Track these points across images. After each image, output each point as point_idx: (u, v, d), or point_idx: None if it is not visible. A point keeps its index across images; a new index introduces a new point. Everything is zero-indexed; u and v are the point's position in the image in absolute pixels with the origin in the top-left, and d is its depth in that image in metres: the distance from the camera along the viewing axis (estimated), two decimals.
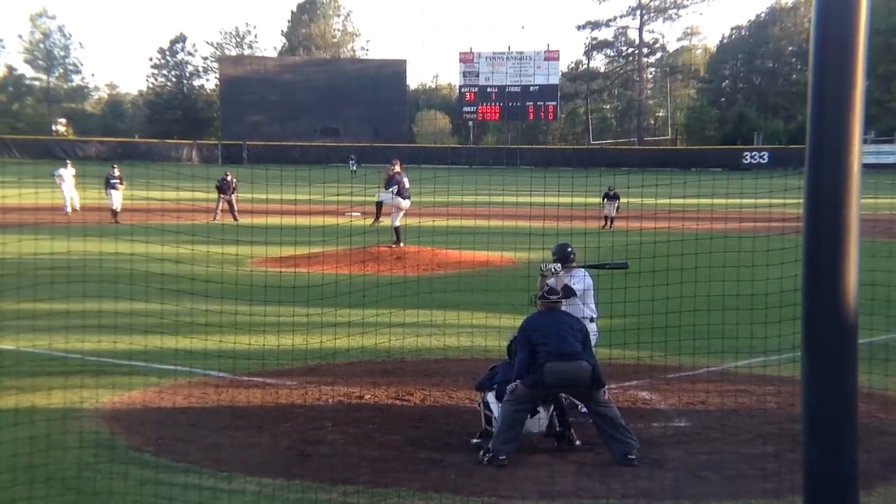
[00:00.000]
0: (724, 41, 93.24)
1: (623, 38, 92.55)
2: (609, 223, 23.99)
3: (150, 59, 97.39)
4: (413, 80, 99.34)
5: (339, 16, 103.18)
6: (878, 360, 6.72)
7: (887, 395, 7.84)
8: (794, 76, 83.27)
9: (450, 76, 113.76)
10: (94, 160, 59.02)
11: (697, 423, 7.37)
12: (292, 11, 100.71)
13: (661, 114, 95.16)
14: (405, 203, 18.12)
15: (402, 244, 17.63)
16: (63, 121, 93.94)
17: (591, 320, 7.58)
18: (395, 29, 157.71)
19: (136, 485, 5.75)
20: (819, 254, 2.62)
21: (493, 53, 77.48)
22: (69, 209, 27.11)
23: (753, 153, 64.51)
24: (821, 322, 2.63)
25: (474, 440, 6.72)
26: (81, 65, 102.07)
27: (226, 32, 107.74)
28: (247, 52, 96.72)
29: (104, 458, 6.20)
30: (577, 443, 6.68)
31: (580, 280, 7.53)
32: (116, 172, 25.81)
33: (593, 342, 7.35)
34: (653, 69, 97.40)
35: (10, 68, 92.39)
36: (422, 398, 8.03)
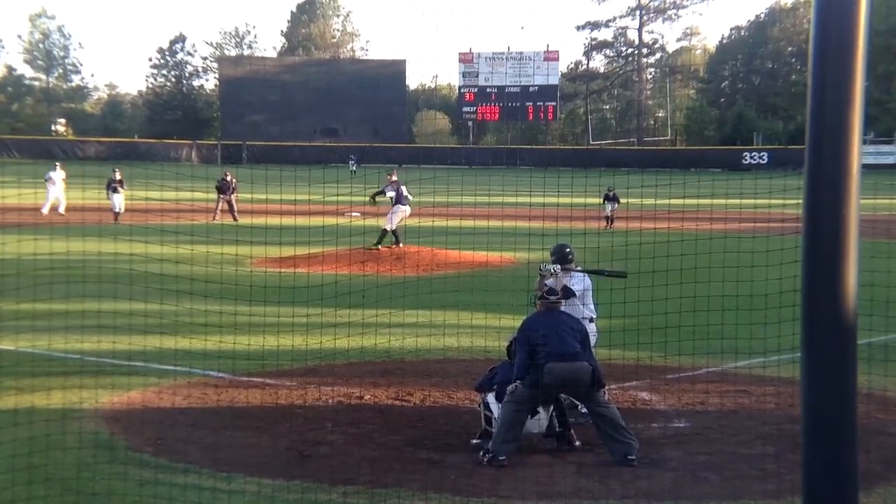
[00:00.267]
0: (724, 42, 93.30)
1: (622, 39, 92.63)
2: (609, 224, 24.02)
3: (150, 60, 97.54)
4: (413, 81, 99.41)
5: (338, 16, 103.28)
6: (877, 361, 6.72)
7: (887, 396, 7.85)
8: (794, 77, 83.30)
9: (449, 76, 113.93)
10: (93, 160, 59.06)
11: (697, 423, 7.37)
12: (292, 12, 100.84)
13: (660, 114, 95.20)
14: (405, 209, 18.14)
15: (401, 244, 17.61)
16: (62, 121, 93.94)
17: (591, 321, 7.58)
18: (395, 29, 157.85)
19: (135, 485, 5.75)
20: (818, 254, 2.62)
21: (493, 54, 77.50)
22: (47, 210, 26.64)
23: (753, 153, 64.55)
24: (820, 322, 2.63)
25: (474, 441, 6.72)
26: (81, 65, 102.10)
27: (225, 32, 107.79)
28: (246, 52, 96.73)
29: (103, 458, 6.20)
30: (577, 443, 6.68)
31: (579, 281, 7.54)
32: (118, 176, 25.77)
33: (592, 342, 7.35)
34: (652, 69, 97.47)
35: (10, 68, 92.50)
36: (421, 398, 8.03)
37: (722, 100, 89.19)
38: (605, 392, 6.79)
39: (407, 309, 10.21)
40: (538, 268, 7.19)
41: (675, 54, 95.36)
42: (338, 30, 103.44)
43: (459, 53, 78.01)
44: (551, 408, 6.71)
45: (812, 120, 2.62)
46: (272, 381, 8.55)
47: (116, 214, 24.63)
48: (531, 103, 76.39)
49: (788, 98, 79.66)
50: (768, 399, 7.89)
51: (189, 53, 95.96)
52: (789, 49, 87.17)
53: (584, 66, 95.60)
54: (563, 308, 6.98)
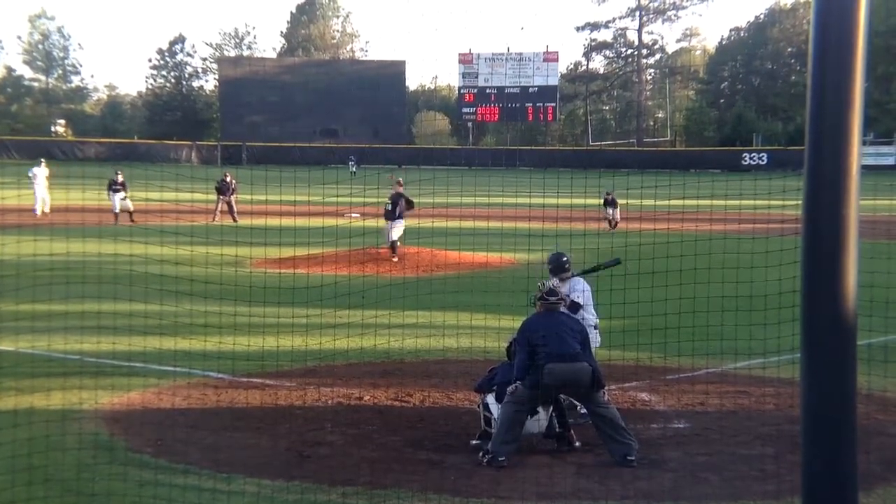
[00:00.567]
0: (723, 42, 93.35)
1: (622, 40, 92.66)
2: (613, 225, 24.02)
3: (150, 61, 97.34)
4: (412, 82, 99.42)
5: (338, 17, 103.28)
6: (877, 362, 6.72)
7: (886, 397, 7.85)
8: (793, 77, 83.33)
9: (449, 77, 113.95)
10: (93, 161, 59.05)
11: (696, 424, 7.37)
12: (291, 12, 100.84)
13: (660, 115, 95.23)
14: (402, 223, 17.98)
15: (395, 258, 17.49)
16: (62, 122, 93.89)
17: (595, 327, 7.58)
18: (395, 30, 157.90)
19: (135, 486, 5.75)
20: (818, 255, 2.62)
21: (493, 54, 77.51)
22: (39, 211, 26.41)
23: (752, 154, 64.57)
24: (820, 323, 2.63)
25: (473, 441, 6.72)
26: (80, 66, 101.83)
27: (225, 33, 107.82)
28: (246, 53, 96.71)
29: (103, 459, 6.20)
30: (577, 444, 6.68)
31: (580, 288, 7.54)
32: (120, 178, 25.74)
33: (595, 347, 7.38)
34: (652, 70, 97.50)
35: (9, 69, 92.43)
36: (421, 399, 8.03)
37: (721, 101, 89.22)
38: (604, 393, 6.79)
39: (406, 310, 10.22)
40: (537, 286, 7.17)
41: (674, 55, 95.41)
42: (337, 31, 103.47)
43: (459, 54, 78.07)
44: (551, 408, 6.71)
45: (812, 121, 2.62)
46: (272, 381, 8.55)
47: (116, 215, 24.63)
48: (531, 104, 76.40)
49: (788, 99, 79.70)
50: (768, 400, 7.89)
51: (189, 54, 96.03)
52: (789, 50, 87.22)
53: (584, 67, 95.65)
54: (586, 312, 7.03)
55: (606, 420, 6.45)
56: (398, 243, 17.68)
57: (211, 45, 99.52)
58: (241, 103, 78.77)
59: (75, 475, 5.83)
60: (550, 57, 77.19)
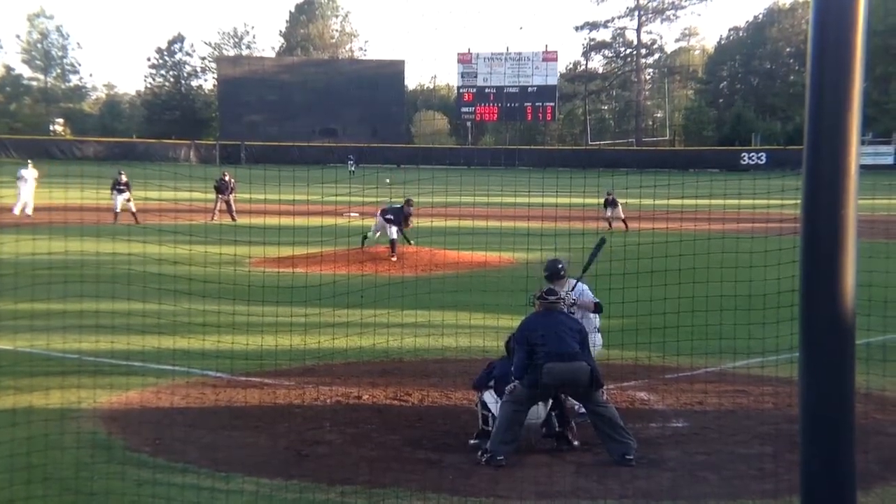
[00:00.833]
0: (722, 42, 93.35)
1: (621, 39, 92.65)
2: (617, 225, 23.88)
3: (148, 60, 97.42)
4: (411, 81, 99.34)
5: (337, 16, 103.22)
6: (875, 361, 6.72)
7: (885, 396, 7.86)
8: (792, 77, 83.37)
9: (448, 77, 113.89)
10: (91, 160, 58.98)
11: (695, 423, 7.38)
12: (290, 12, 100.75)
13: (659, 115, 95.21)
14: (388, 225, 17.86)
15: (394, 257, 17.44)
16: (61, 121, 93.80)
17: (598, 329, 7.58)
18: (394, 30, 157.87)
19: (133, 485, 5.74)
20: (817, 254, 2.62)
21: (492, 54, 77.49)
22: (17, 211, 26.21)
23: (751, 154, 64.58)
24: (818, 323, 2.64)
25: (472, 441, 6.72)
26: (79, 65, 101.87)
27: (224, 33, 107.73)
28: (245, 52, 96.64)
29: (102, 458, 6.20)
30: (576, 443, 6.69)
31: (580, 290, 7.53)
32: (123, 178, 25.70)
33: (597, 349, 7.39)
34: (651, 70, 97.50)
35: (8, 68, 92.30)
36: (420, 398, 8.03)
37: (720, 100, 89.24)
38: (603, 392, 6.79)
39: (405, 309, 10.22)
40: (530, 300, 7.15)
41: (673, 55, 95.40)
42: (336, 30, 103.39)
43: (458, 54, 78.04)
44: (549, 403, 6.71)
45: (810, 120, 2.62)
46: (270, 380, 8.54)
47: (116, 215, 24.58)
48: (530, 104, 76.38)
49: (787, 99, 79.74)
50: (766, 399, 7.89)
51: (187, 53, 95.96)
52: (788, 50, 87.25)
53: (583, 67, 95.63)
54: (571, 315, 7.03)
55: (605, 419, 6.46)
56: (397, 242, 17.67)
57: (210, 45, 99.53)
58: (240, 102, 78.72)
59: (74, 474, 5.83)
60: (549, 56, 77.18)
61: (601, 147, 78.98)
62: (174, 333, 9.04)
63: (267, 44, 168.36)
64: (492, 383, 6.88)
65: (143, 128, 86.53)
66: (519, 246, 12.62)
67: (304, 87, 79.09)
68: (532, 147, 74.59)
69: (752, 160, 63.35)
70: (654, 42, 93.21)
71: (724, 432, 7.12)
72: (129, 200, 25.32)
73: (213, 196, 26.62)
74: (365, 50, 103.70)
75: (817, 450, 2.64)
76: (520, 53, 77.22)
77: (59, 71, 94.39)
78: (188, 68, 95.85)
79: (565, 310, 7.08)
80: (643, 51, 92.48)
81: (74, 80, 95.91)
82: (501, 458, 6.28)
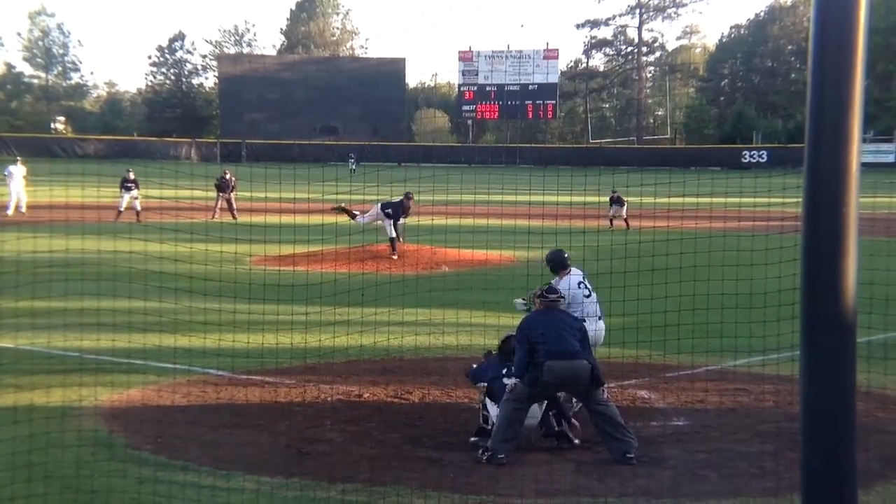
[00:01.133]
0: (724, 40, 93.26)
1: (622, 37, 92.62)
2: (619, 223, 23.90)
3: (149, 57, 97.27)
4: (412, 79, 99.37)
5: (338, 14, 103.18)
6: (876, 359, 6.71)
7: (886, 394, 7.85)
8: (793, 75, 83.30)
9: (449, 75, 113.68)
10: (92, 158, 59.01)
11: (696, 421, 7.38)
12: (291, 9, 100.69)
13: (660, 113, 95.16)
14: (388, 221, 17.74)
15: (395, 255, 17.39)
16: (62, 119, 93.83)
17: (600, 318, 7.59)
18: (394, 27, 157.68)
19: (134, 483, 5.75)
20: (818, 252, 2.62)
21: (493, 52, 77.44)
22: (11, 210, 26.13)
23: (752, 152, 64.53)
24: (819, 321, 2.63)
25: (472, 439, 6.72)
26: (80, 62, 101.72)
27: (225, 30, 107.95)
28: (246, 50, 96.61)
29: (103, 456, 6.20)
30: (576, 441, 6.69)
31: (577, 276, 7.59)
32: (131, 176, 25.70)
33: (602, 340, 7.41)
34: (652, 68, 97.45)
35: (9, 66, 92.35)
36: (421, 397, 8.04)
37: (721, 98, 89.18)
38: (604, 390, 6.79)
39: (406, 307, 10.21)
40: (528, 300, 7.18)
41: (674, 53, 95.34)
42: (337, 28, 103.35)
43: (459, 51, 77.98)
44: (545, 403, 6.71)
45: (811, 118, 2.62)
46: (271, 379, 8.55)
47: (119, 212, 24.56)
48: (531, 102, 76.34)
49: (788, 96, 79.67)
50: (767, 397, 7.89)
51: (188, 51, 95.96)
52: (789, 47, 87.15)
53: (584, 65, 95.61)
54: (574, 309, 7.04)
55: (606, 418, 6.46)
56: (398, 240, 17.64)
57: (211, 43, 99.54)
58: (241, 100, 78.72)
59: (75, 472, 5.83)
60: (550, 54, 77.12)
61: (602, 145, 78.95)
62: (175, 331, 9.04)
63: (268, 41, 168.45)
64: (484, 385, 6.89)
65: (144, 126, 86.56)
66: (519, 244, 12.62)
67: (304, 84, 79.07)
68: (533, 145, 74.54)
69: (754, 158, 63.31)
70: (655, 40, 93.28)
71: (725, 430, 7.12)
72: (136, 198, 25.32)
73: (213, 194, 26.63)
74: (366, 48, 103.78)
75: (818, 448, 2.64)
76: (521, 51, 77.18)
77: (60, 69, 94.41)
78: (189, 66, 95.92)
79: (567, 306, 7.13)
80: (644, 49, 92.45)
81: (75, 77, 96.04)
82: (502, 456, 6.28)
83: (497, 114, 79.13)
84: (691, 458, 6.47)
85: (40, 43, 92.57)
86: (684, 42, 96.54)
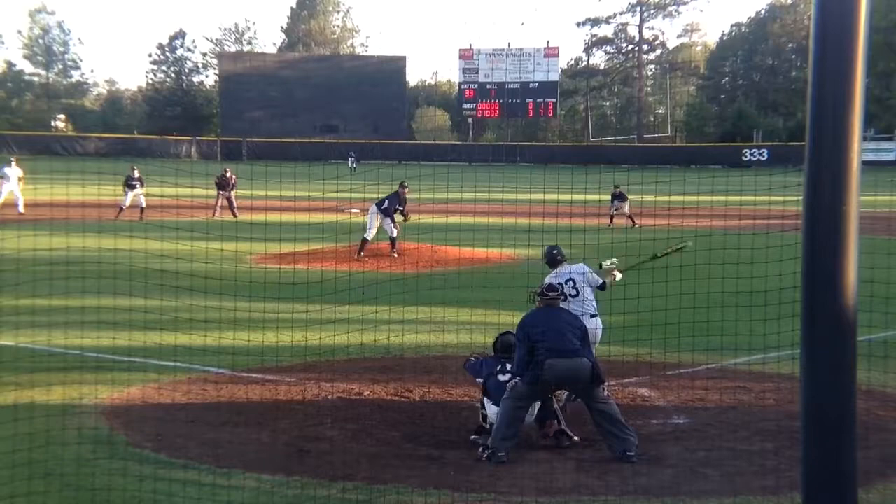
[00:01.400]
0: (724, 38, 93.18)
1: (623, 35, 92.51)
2: (619, 221, 23.84)
3: (150, 56, 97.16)
4: (413, 77, 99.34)
5: (338, 12, 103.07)
6: (877, 358, 6.72)
7: (886, 393, 7.85)
8: (794, 73, 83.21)
9: (449, 73, 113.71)
10: (93, 156, 58.99)
11: (696, 420, 7.38)
12: (292, 7, 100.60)
13: (660, 111, 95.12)
14: (388, 220, 17.65)
15: (395, 254, 17.35)
16: (62, 117, 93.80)
17: (593, 316, 7.60)
18: (395, 25, 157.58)
19: (135, 481, 5.75)
20: (818, 251, 2.62)
21: (493, 50, 77.38)
22: None
23: (753, 150, 64.46)
24: (820, 319, 2.63)
25: (472, 437, 6.73)
26: (81, 61, 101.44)
27: (225, 28, 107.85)
28: (246, 48, 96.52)
29: (103, 454, 6.21)
30: (576, 438, 6.69)
31: (582, 271, 7.65)
32: (136, 174, 25.69)
33: (598, 338, 7.42)
34: (652, 66, 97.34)
35: (10, 64, 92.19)
36: (421, 395, 8.04)
37: (722, 96, 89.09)
38: (604, 388, 6.79)
39: (407, 305, 10.21)
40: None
41: (675, 51, 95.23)
42: (338, 26, 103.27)
43: (459, 50, 77.93)
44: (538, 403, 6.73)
45: (812, 117, 2.61)
46: (272, 377, 8.55)
47: (121, 210, 24.52)
48: (531, 100, 76.28)
49: (788, 95, 79.60)
50: (768, 395, 7.89)
51: (189, 49, 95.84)
52: (790, 45, 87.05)
53: (585, 63, 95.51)
54: (567, 304, 7.04)
55: (606, 416, 6.46)
56: (397, 239, 17.62)
57: (211, 41, 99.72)
58: (242, 99, 78.65)
59: (75, 470, 5.84)
60: (551, 52, 77.05)
61: (602, 143, 78.90)
62: (176, 330, 9.04)
63: (268, 39, 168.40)
64: (480, 380, 6.90)
65: (144, 124, 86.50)
66: (520, 242, 12.62)
67: (305, 83, 78.99)
68: (533, 143, 74.48)
69: (754, 156, 63.25)
70: (655, 38, 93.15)
71: (726, 429, 7.12)
72: (140, 195, 25.28)
73: (214, 192, 26.62)
74: (366, 46, 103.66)
75: (819, 446, 2.64)
76: (521, 49, 77.09)
77: (60, 67, 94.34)
78: (189, 64, 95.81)
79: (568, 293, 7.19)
80: (645, 47, 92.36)
81: (76, 75, 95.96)
82: (503, 454, 6.28)
83: (498, 112, 79.07)
84: (692, 456, 6.47)
85: (40, 41, 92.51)
86: (685, 40, 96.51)
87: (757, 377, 8.38)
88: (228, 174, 27.13)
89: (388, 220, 17.44)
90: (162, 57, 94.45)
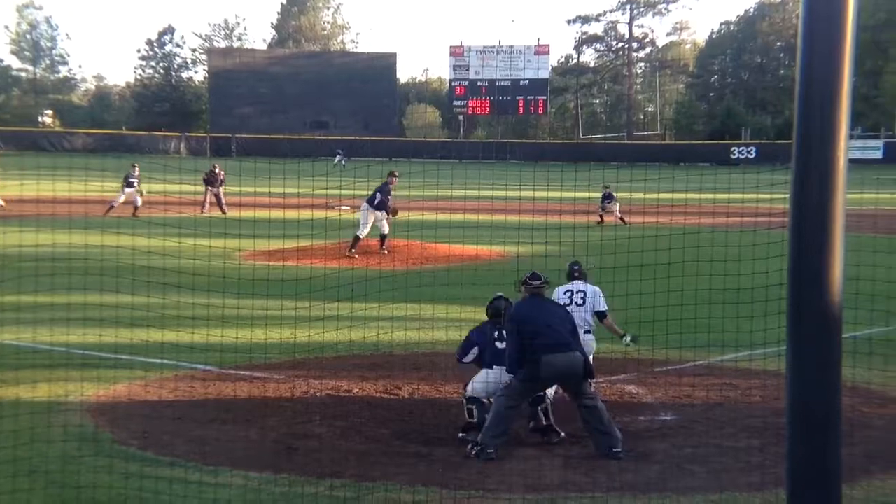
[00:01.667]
0: (713, 36, 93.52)
1: (613, 33, 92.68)
2: (609, 219, 23.87)
3: (138, 51, 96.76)
4: (403, 74, 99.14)
5: (328, 8, 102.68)
6: (862, 355, 6.76)
7: (871, 390, 7.90)
8: (782, 71, 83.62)
9: (440, 70, 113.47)
10: (80, 152, 58.58)
11: (683, 416, 7.41)
12: (282, 3, 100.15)
13: (650, 108, 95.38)
14: (379, 214, 17.55)
15: (384, 250, 17.29)
16: (50, 112, 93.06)
17: (588, 332, 7.59)
18: (386, 22, 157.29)
19: (121, 478, 5.72)
20: (804, 248, 2.63)
21: (484, 47, 77.35)
22: None
23: (741, 148, 64.75)
24: (806, 316, 2.64)
25: (461, 434, 6.73)
26: (68, 56, 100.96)
27: (214, 24, 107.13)
28: (236, 44, 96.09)
29: (89, 451, 6.17)
30: (563, 434, 6.70)
31: (595, 293, 7.71)
32: (136, 172, 25.50)
33: (592, 350, 7.44)
34: (642, 64, 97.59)
35: None
36: (410, 392, 8.03)
37: (711, 94, 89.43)
38: (591, 384, 6.80)
39: (396, 302, 10.20)
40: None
41: (664, 49, 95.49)
42: (328, 22, 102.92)
43: (450, 47, 77.84)
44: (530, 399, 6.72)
45: (800, 115, 2.62)
46: (260, 374, 8.52)
47: (111, 207, 24.34)
48: (522, 97, 76.32)
49: (776, 93, 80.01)
50: (754, 392, 7.93)
51: (178, 45, 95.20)
52: (778, 44, 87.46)
53: (575, 61, 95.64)
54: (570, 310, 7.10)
55: (592, 411, 6.46)
56: (388, 236, 17.58)
57: (200, 36, 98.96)
58: (231, 95, 78.27)
59: (60, 467, 5.80)
60: (541, 50, 77.10)
61: (592, 141, 79.04)
62: (163, 326, 8.99)
63: (258, 35, 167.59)
64: (474, 354, 6.86)
65: (132, 120, 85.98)
66: (509, 239, 12.62)
67: (295, 79, 78.71)
68: (523, 141, 74.53)
69: (742, 154, 63.51)
70: (645, 36, 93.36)
71: (712, 425, 7.15)
72: (138, 193, 25.06)
73: (202, 188, 26.49)
74: (356, 42, 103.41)
75: (804, 443, 2.65)
76: (512, 47, 77.10)
77: (48, 62, 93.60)
78: (178, 60, 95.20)
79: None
80: (634, 45, 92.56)
81: (63, 71, 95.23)
82: (492, 451, 6.28)
83: (488, 109, 79.06)
84: (678, 452, 6.50)
85: (28, 36, 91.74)
86: (674, 38, 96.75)
87: (743, 374, 8.42)
88: (217, 170, 27.01)
89: (381, 215, 17.31)
90: (150, 52, 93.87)
